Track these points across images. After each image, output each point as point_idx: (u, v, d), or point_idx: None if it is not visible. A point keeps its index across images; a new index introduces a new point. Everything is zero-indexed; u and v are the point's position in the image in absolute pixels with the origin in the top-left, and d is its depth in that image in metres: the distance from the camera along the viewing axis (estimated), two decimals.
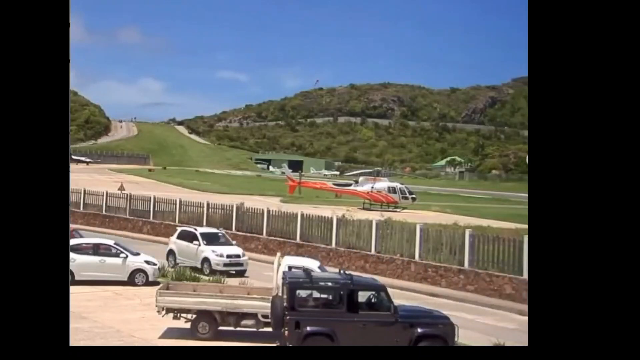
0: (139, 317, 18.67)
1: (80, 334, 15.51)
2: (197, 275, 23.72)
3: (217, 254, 27.07)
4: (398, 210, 55.97)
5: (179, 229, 30.04)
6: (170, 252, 28.49)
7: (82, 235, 28.42)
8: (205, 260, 27.02)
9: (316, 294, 15.46)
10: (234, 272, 26.56)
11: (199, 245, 27.55)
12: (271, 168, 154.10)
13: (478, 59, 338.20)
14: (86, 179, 63.30)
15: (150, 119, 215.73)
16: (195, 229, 29.13)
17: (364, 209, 55.80)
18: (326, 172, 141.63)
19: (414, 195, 61.20)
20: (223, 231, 30.06)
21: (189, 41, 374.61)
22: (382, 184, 62.65)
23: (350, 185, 68.20)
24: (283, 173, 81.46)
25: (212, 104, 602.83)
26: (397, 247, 27.72)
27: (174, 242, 28.85)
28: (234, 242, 29.01)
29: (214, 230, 29.90)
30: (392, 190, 60.39)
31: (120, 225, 40.49)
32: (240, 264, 27.21)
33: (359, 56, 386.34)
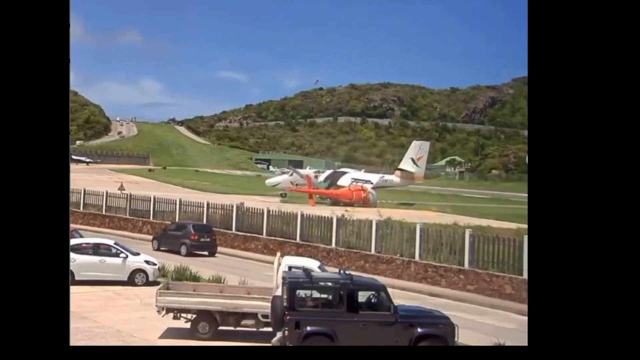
0: (139, 317, 18.64)
1: (80, 334, 15.49)
2: (198, 275, 23.69)
3: None
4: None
5: None
6: None
7: (82, 235, 28.42)
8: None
9: (316, 294, 15.44)
10: None
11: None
12: (271, 168, 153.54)
13: (478, 59, 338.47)
14: (86, 179, 63.23)
15: (150, 119, 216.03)
16: None
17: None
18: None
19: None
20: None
21: (189, 41, 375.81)
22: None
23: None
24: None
25: (212, 104, 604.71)
26: (397, 247, 27.72)
27: None
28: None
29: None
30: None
31: (120, 225, 40.49)
32: None
33: (359, 56, 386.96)
